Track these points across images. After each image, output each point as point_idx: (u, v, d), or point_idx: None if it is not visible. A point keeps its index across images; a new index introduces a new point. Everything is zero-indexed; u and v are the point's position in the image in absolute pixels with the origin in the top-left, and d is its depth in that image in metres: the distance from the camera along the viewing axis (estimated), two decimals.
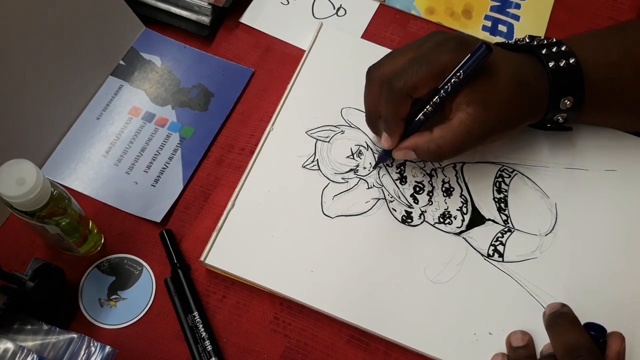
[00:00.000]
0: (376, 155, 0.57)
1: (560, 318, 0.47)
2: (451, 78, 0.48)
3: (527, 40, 0.55)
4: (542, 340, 0.49)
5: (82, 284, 0.53)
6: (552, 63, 0.51)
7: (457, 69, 0.48)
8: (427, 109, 0.50)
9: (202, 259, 0.52)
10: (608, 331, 0.46)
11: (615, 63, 0.53)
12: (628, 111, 0.56)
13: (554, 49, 0.52)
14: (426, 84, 0.49)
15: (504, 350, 0.50)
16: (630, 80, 0.53)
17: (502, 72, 0.50)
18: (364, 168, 0.57)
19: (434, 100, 0.49)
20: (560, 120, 0.54)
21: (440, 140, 0.50)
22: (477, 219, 0.55)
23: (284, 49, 0.65)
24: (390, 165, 0.57)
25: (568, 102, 0.52)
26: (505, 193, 0.56)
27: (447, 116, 0.51)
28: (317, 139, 0.58)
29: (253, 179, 0.56)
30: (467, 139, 0.50)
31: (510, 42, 0.56)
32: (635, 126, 0.58)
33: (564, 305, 0.48)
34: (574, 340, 0.44)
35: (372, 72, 0.53)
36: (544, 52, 0.52)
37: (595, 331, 0.45)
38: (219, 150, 0.59)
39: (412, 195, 0.56)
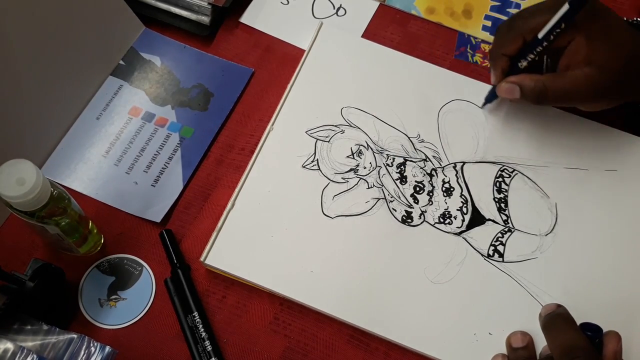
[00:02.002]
0: (376, 156, 0.57)
1: (556, 319, 0.47)
2: (555, 27, 0.50)
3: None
4: (542, 341, 0.49)
5: (82, 284, 0.53)
6: None
7: (559, 17, 0.50)
8: (529, 57, 0.53)
9: (202, 259, 0.52)
10: (604, 331, 0.46)
11: None
12: None
13: None
14: (536, 26, 0.52)
15: (504, 350, 0.50)
16: None
17: (625, 43, 0.51)
18: (364, 168, 0.57)
19: (537, 49, 0.52)
20: None
21: (548, 82, 0.52)
22: (477, 219, 0.55)
23: (284, 49, 0.65)
24: (391, 165, 0.57)
25: None
26: (506, 193, 0.56)
27: (560, 72, 0.53)
28: (317, 139, 0.58)
29: (253, 179, 0.56)
30: (575, 93, 0.52)
31: (630, 20, 0.58)
32: None
33: (559, 305, 0.48)
34: (571, 341, 0.44)
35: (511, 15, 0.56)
36: None
37: (592, 331, 0.45)
38: (218, 150, 0.59)
39: (412, 195, 0.56)
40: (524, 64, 0.54)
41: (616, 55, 0.51)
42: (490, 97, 0.59)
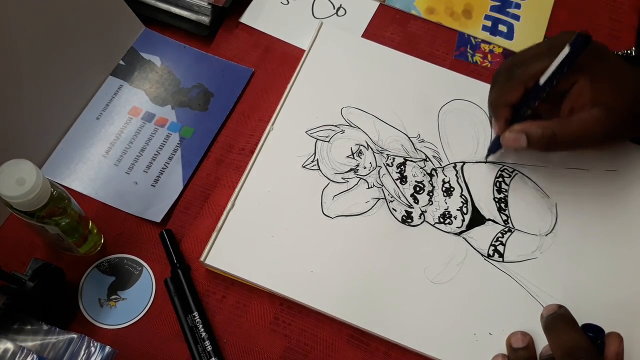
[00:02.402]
0: (376, 155, 0.57)
1: (557, 319, 0.47)
2: (557, 71, 0.49)
3: (634, 54, 0.56)
4: (542, 341, 0.49)
5: (82, 284, 0.53)
6: None
7: (560, 62, 0.49)
8: (531, 104, 0.52)
9: (201, 259, 0.52)
10: (606, 332, 0.46)
11: None
12: None
13: None
14: (534, 74, 0.51)
15: (504, 350, 0.50)
16: None
17: (628, 81, 0.51)
18: (364, 168, 0.57)
19: (540, 95, 0.51)
20: None
21: (557, 128, 0.51)
22: (477, 219, 0.55)
23: (284, 49, 0.65)
24: (391, 165, 0.57)
25: None
26: (506, 193, 0.56)
27: (564, 116, 0.52)
28: (317, 139, 0.58)
29: (253, 179, 0.56)
30: (585, 136, 0.51)
31: (617, 52, 0.57)
32: None
33: (560, 306, 0.48)
34: (573, 342, 0.44)
35: (505, 61, 0.55)
36: None
37: (593, 332, 0.45)
38: (218, 150, 0.59)
39: (412, 195, 0.56)
40: (528, 112, 0.53)
41: (622, 94, 0.50)
42: (494, 148, 0.57)
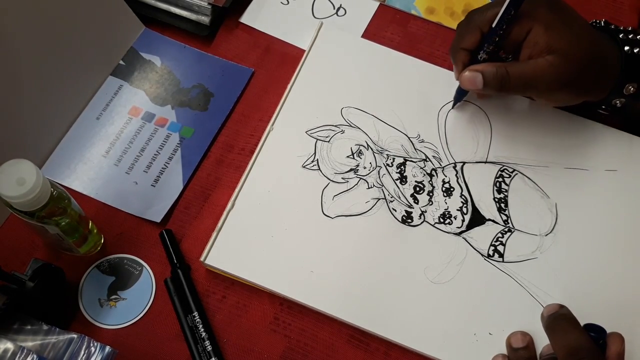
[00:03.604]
0: (376, 156, 0.57)
1: (559, 319, 0.47)
2: (504, 15, 0.50)
3: (602, 24, 0.56)
4: (542, 341, 0.49)
5: (82, 284, 0.53)
6: (627, 47, 0.52)
7: (506, 5, 0.50)
8: (486, 48, 0.52)
9: (202, 259, 0.52)
10: (607, 332, 0.46)
11: None
12: None
13: (630, 36, 0.53)
14: (492, 17, 0.52)
15: (504, 350, 0.50)
16: None
17: (585, 34, 0.51)
18: (364, 168, 0.57)
19: (492, 38, 0.52)
20: (618, 104, 0.55)
21: (511, 68, 0.51)
22: (477, 219, 0.55)
23: (284, 49, 0.65)
24: (391, 165, 0.57)
25: (632, 89, 0.53)
26: (506, 193, 0.56)
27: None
28: (317, 139, 0.58)
29: (253, 179, 0.56)
30: (538, 79, 0.51)
31: (593, 22, 0.58)
32: None
33: (562, 306, 0.48)
34: (575, 342, 0.44)
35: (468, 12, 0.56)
36: (621, 36, 0.53)
37: (595, 332, 0.45)
38: (218, 150, 0.59)
39: (412, 195, 0.56)
40: (483, 56, 0.54)
41: (578, 44, 0.51)
42: (459, 96, 0.59)
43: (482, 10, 0.53)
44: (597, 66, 0.52)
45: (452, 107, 0.60)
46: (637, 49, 0.53)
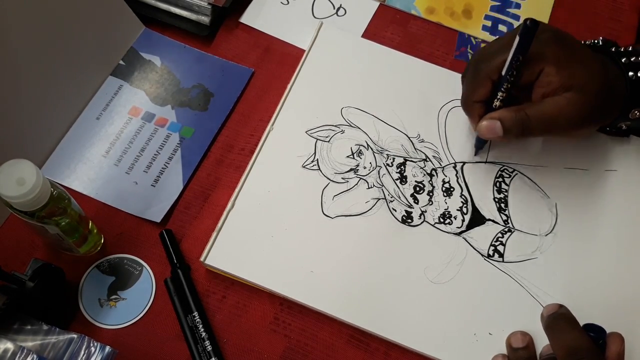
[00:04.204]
0: (376, 155, 0.57)
1: (558, 319, 0.47)
2: (512, 61, 0.49)
3: (601, 44, 0.56)
4: (542, 341, 0.49)
5: (82, 284, 0.53)
6: (631, 73, 0.52)
7: (513, 52, 0.49)
8: (500, 96, 0.51)
9: (201, 259, 0.52)
10: (607, 332, 0.46)
11: None
12: None
13: (632, 59, 0.53)
14: (500, 64, 0.51)
15: (504, 350, 0.50)
16: None
17: (594, 64, 0.51)
18: (364, 168, 0.57)
19: (504, 86, 0.51)
20: (624, 127, 0.55)
21: (530, 111, 0.50)
22: (477, 219, 0.55)
23: (284, 49, 0.65)
24: (391, 165, 0.57)
25: (637, 113, 0.53)
26: (506, 193, 0.56)
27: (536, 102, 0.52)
28: (317, 139, 0.58)
29: (253, 179, 0.56)
30: (560, 118, 0.50)
31: (585, 42, 0.57)
32: None
33: (561, 306, 0.48)
34: (575, 342, 0.44)
35: (470, 59, 0.55)
36: (623, 60, 0.53)
37: (595, 332, 0.45)
38: (218, 150, 0.59)
39: (412, 195, 0.56)
40: (497, 103, 0.52)
41: (592, 78, 0.50)
42: (479, 144, 0.57)
43: (488, 58, 0.52)
44: (610, 95, 0.52)
45: (475, 154, 0.58)
46: None
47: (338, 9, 0.67)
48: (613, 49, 0.55)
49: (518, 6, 0.68)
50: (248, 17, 0.66)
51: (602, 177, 0.57)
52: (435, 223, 0.55)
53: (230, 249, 0.53)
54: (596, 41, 0.56)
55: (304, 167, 0.57)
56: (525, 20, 0.48)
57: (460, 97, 0.56)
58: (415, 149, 0.58)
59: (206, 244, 0.53)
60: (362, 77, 0.61)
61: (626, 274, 0.53)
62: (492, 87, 0.52)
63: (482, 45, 0.65)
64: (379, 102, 0.60)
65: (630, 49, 0.54)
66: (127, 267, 0.54)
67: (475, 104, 0.53)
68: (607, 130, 0.57)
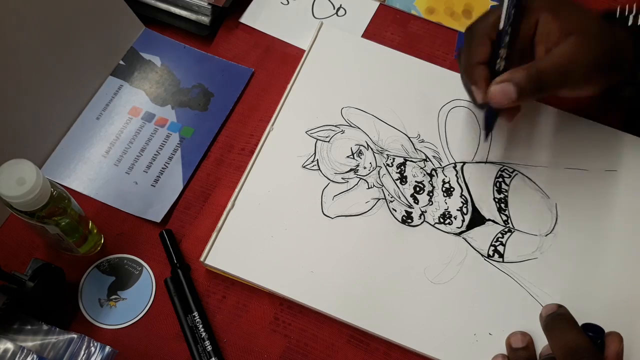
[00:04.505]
0: (376, 156, 0.57)
1: (557, 319, 0.47)
2: (508, 12, 0.48)
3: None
4: (541, 341, 0.49)
5: (82, 284, 0.53)
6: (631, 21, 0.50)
7: (507, 3, 0.48)
8: (502, 53, 0.49)
9: (201, 259, 0.52)
10: (606, 332, 0.46)
11: None
12: None
13: (632, 15, 0.51)
14: (497, 21, 0.49)
15: (504, 350, 0.50)
16: None
17: (592, 13, 0.49)
18: (364, 168, 0.57)
19: (504, 42, 0.49)
20: (627, 94, 0.53)
21: (540, 64, 0.47)
22: (477, 219, 0.55)
23: (284, 49, 0.65)
24: (391, 165, 0.57)
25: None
26: (506, 193, 0.56)
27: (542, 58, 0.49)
28: (317, 139, 0.58)
29: (253, 179, 0.56)
30: (572, 64, 0.47)
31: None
32: None
33: (560, 306, 0.48)
34: (573, 342, 0.44)
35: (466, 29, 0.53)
36: (630, 21, 0.51)
37: (593, 332, 0.45)
38: (218, 150, 0.59)
39: (412, 195, 0.56)
40: (502, 63, 0.49)
41: (590, 20, 0.48)
42: (489, 121, 0.53)
43: (482, 18, 0.50)
44: (615, 46, 0.49)
45: (486, 139, 0.55)
46: None
47: (338, 9, 0.67)
48: (618, 15, 0.53)
49: None
50: (248, 17, 0.66)
51: (602, 177, 0.57)
52: (435, 223, 0.55)
53: (230, 249, 0.53)
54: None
55: (304, 167, 0.57)
56: None
57: (460, 97, 0.55)
58: (415, 149, 0.58)
59: (206, 244, 0.53)
60: (362, 77, 0.61)
61: (626, 274, 0.53)
62: (492, 48, 0.49)
63: None
64: (379, 102, 0.60)
65: (634, 10, 0.52)
66: (127, 267, 0.54)
67: (478, 67, 0.49)
68: (613, 96, 0.54)
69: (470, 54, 0.50)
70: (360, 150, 0.58)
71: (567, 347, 0.44)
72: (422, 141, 0.58)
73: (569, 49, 0.47)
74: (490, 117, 0.53)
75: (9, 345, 0.43)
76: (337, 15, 0.67)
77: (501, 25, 0.49)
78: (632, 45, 0.50)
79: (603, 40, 0.48)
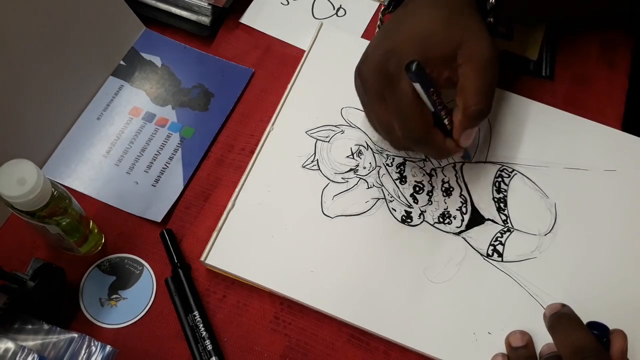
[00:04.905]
0: (376, 156, 0.57)
1: (562, 319, 0.47)
2: (431, 97, 0.47)
3: None
4: (541, 340, 0.49)
5: (82, 283, 0.53)
6: None
7: (426, 93, 0.47)
8: (442, 115, 0.49)
9: (202, 259, 0.52)
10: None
11: None
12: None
13: None
14: (424, 109, 0.48)
15: (504, 350, 0.50)
16: None
17: (440, 30, 0.49)
18: (364, 168, 0.57)
19: (443, 113, 0.49)
20: (491, 21, 0.53)
21: (468, 102, 0.48)
22: (476, 219, 0.55)
23: (284, 49, 0.65)
24: (390, 165, 0.57)
25: (492, 1, 0.52)
26: (505, 193, 0.56)
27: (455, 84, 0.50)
28: (317, 139, 0.58)
29: (253, 179, 0.56)
30: (482, 74, 0.48)
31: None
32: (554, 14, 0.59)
33: (564, 305, 0.48)
34: (580, 341, 0.44)
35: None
36: None
37: (598, 330, 0.45)
38: (219, 150, 0.59)
39: (411, 195, 0.56)
40: (447, 121, 0.49)
41: (477, 24, 0.49)
42: (467, 153, 0.55)
43: (397, 99, 0.48)
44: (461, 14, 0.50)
45: (472, 160, 0.57)
46: None
47: (338, 9, 0.68)
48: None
49: None
50: (248, 18, 0.66)
51: (601, 177, 0.57)
52: (435, 223, 0.55)
53: (231, 248, 0.53)
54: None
55: (304, 167, 0.57)
56: (408, 65, 0.46)
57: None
58: None
59: (206, 244, 0.53)
60: None
61: (625, 274, 0.53)
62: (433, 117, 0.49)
63: None
64: None
65: None
66: (127, 267, 0.54)
67: (432, 132, 0.49)
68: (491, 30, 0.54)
69: (434, 147, 0.50)
70: (360, 150, 0.58)
71: (573, 346, 0.44)
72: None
73: (466, 72, 0.48)
74: (466, 155, 0.56)
75: (10, 345, 0.43)
76: (337, 15, 0.67)
77: (432, 109, 0.48)
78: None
79: (483, 34, 0.49)
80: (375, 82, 0.50)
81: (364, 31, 0.66)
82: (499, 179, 0.57)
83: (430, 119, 0.49)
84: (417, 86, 0.47)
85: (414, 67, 0.45)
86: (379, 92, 0.50)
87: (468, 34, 0.49)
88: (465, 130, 0.50)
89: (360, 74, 0.51)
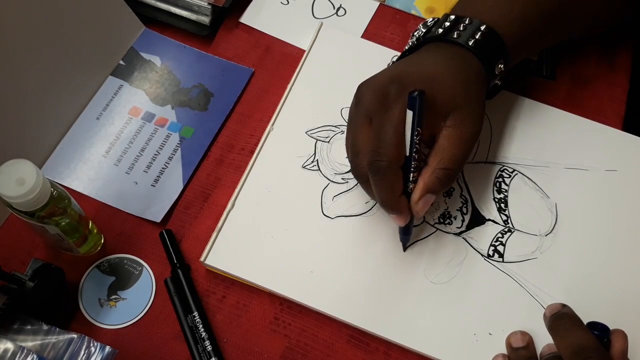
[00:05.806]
0: None
1: (562, 319, 0.47)
2: (413, 137, 0.47)
3: (424, 31, 0.54)
4: (542, 341, 0.49)
5: (82, 284, 0.53)
6: (472, 41, 0.50)
7: (412, 129, 0.46)
8: (411, 177, 0.48)
9: (201, 259, 0.52)
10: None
11: (521, 14, 0.53)
12: (539, 47, 0.60)
13: (460, 28, 0.51)
14: (402, 144, 0.47)
15: (504, 350, 0.50)
16: (537, 27, 0.54)
17: (447, 80, 0.49)
18: None
19: (414, 164, 0.48)
20: (499, 83, 0.55)
21: (442, 164, 0.48)
22: (477, 219, 0.55)
23: (284, 49, 0.65)
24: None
25: (501, 66, 0.52)
26: (506, 193, 0.56)
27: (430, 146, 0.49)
28: (317, 139, 0.58)
29: (253, 179, 0.56)
30: (463, 144, 0.49)
31: (408, 45, 0.55)
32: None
33: (564, 305, 0.48)
34: (581, 342, 0.44)
35: (354, 158, 0.50)
36: (454, 36, 0.51)
37: (599, 330, 0.45)
38: (218, 150, 0.59)
39: None
40: (411, 186, 0.48)
41: (452, 92, 0.48)
42: (406, 237, 0.52)
43: (377, 153, 0.47)
44: (472, 82, 0.50)
45: (404, 250, 0.54)
46: (478, 34, 0.50)
47: (338, 9, 0.67)
48: (437, 32, 0.52)
49: None
50: (248, 17, 0.66)
51: (602, 177, 0.57)
52: (435, 223, 0.55)
53: (230, 249, 0.53)
54: (416, 33, 0.55)
55: (303, 167, 0.57)
56: (413, 91, 0.45)
57: None
58: None
59: (206, 244, 0.53)
60: (362, 78, 0.61)
61: (626, 274, 0.53)
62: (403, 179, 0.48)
63: None
64: None
65: (452, 17, 0.52)
66: (127, 267, 0.54)
67: (400, 199, 0.48)
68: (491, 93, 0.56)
69: (390, 188, 0.48)
70: None
71: (574, 346, 0.44)
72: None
73: (448, 135, 0.48)
74: (407, 232, 0.52)
75: (9, 345, 0.43)
76: (337, 15, 0.67)
77: (407, 152, 0.47)
78: (479, 60, 0.51)
79: (469, 101, 0.49)
80: (371, 101, 0.49)
81: (364, 31, 0.66)
82: (500, 179, 0.57)
83: (402, 158, 0.47)
84: (409, 116, 0.46)
85: (417, 93, 0.45)
86: (368, 113, 0.49)
87: (468, 101, 0.49)
88: (428, 193, 0.48)
89: (359, 90, 0.51)
